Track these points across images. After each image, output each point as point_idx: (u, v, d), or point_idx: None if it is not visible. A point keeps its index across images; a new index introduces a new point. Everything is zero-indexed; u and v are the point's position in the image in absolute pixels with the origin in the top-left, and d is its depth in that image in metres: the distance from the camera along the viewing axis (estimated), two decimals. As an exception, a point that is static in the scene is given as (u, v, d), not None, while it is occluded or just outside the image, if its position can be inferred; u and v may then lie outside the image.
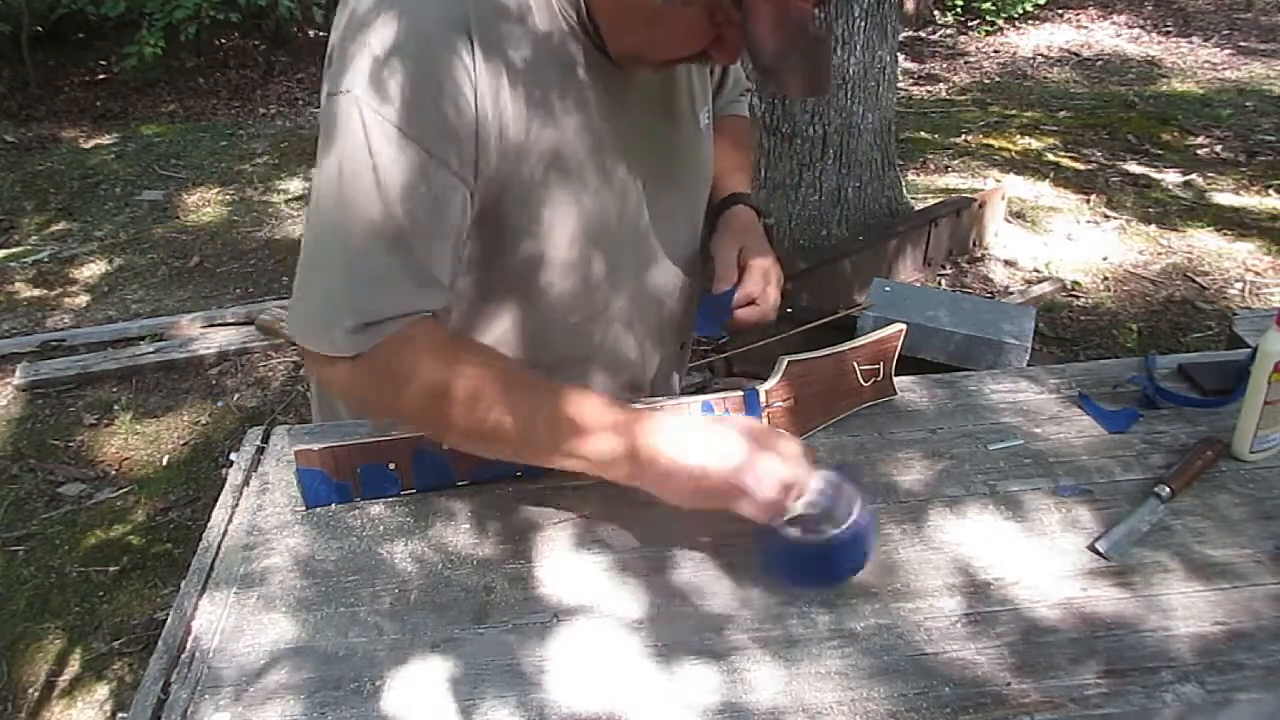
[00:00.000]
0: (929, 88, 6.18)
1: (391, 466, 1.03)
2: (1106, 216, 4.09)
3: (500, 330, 1.07)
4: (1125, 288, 3.55)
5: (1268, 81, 5.94)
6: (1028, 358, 2.56)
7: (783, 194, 3.45)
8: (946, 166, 4.67)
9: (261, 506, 1.05)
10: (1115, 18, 7.60)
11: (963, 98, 5.89)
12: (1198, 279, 3.57)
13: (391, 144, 0.88)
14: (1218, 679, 0.81)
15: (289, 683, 0.83)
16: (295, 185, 4.68)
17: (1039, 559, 0.95)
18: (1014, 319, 2.67)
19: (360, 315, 0.89)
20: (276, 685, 0.83)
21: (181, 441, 2.84)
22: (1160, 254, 3.77)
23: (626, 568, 0.96)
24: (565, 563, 0.96)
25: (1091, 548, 0.96)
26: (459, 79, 0.90)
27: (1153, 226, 3.99)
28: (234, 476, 1.10)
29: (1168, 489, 1.01)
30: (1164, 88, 5.92)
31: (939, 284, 3.57)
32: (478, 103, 0.91)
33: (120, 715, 1.95)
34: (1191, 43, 6.93)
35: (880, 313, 2.57)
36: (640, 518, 1.02)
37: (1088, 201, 4.23)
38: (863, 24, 3.27)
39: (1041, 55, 6.80)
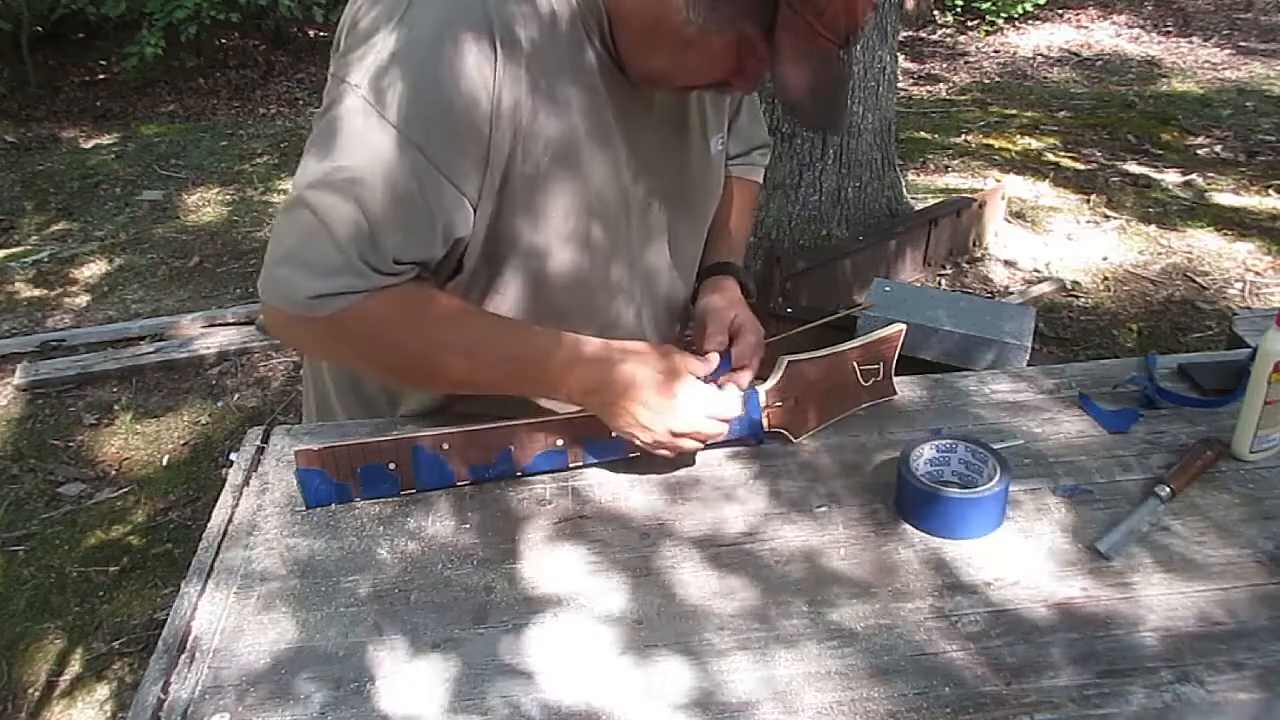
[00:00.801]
0: (929, 88, 6.18)
1: (391, 466, 1.03)
2: (1106, 216, 4.09)
3: (504, 311, 1.07)
4: (1125, 288, 3.55)
5: (1268, 81, 5.94)
6: (1027, 358, 2.56)
7: (783, 194, 3.45)
8: (946, 166, 4.67)
9: (261, 506, 1.05)
10: (1115, 18, 7.60)
11: (963, 98, 5.89)
12: (1198, 279, 3.57)
13: (391, 145, 0.89)
14: (1217, 679, 0.81)
15: (289, 683, 0.83)
16: (295, 185, 4.67)
17: (1039, 559, 0.95)
18: (1014, 319, 2.67)
19: (319, 289, 0.91)
20: (276, 685, 0.83)
21: (181, 441, 2.84)
22: (1160, 254, 3.77)
23: (625, 567, 0.96)
24: (564, 562, 0.96)
25: (1091, 548, 0.96)
26: (477, 90, 0.90)
27: (1153, 226, 3.98)
28: (234, 476, 1.10)
29: (1168, 489, 1.01)
30: (1164, 88, 5.92)
31: (939, 284, 3.56)
32: (494, 107, 0.91)
33: (120, 715, 1.95)
34: (1191, 43, 6.93)
35: (880, 313, 2.57)
36: (639, 517, 1.03)
37: (1088, 201, 4.23)
38: (863, 24, 3.27)
39: (1041, 55, 6.80)
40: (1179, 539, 0.97)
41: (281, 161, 4.97)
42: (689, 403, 0.98)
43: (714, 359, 1.06)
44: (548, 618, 0.90)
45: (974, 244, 3.76)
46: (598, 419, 1.05)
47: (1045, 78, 6.31)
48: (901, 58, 6.30)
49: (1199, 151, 4.78)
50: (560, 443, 1.06)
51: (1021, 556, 0.96)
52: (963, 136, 5.09)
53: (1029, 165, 4.66)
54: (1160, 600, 0.90)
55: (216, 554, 0.98)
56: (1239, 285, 3.52)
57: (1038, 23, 7.49)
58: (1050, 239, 3.90)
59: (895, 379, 1.19)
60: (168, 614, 0.91)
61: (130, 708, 0.82)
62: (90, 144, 5.29)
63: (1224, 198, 4.23)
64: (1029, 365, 2.32)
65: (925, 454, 1.04)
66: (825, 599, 0.91)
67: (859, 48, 3.30)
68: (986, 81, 6.26)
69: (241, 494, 1.07)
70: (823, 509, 1.03)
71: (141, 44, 5.61)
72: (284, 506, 1.05)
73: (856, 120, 3.41)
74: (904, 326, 1.16)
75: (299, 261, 0.92)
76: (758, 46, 0.91)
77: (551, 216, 1.00)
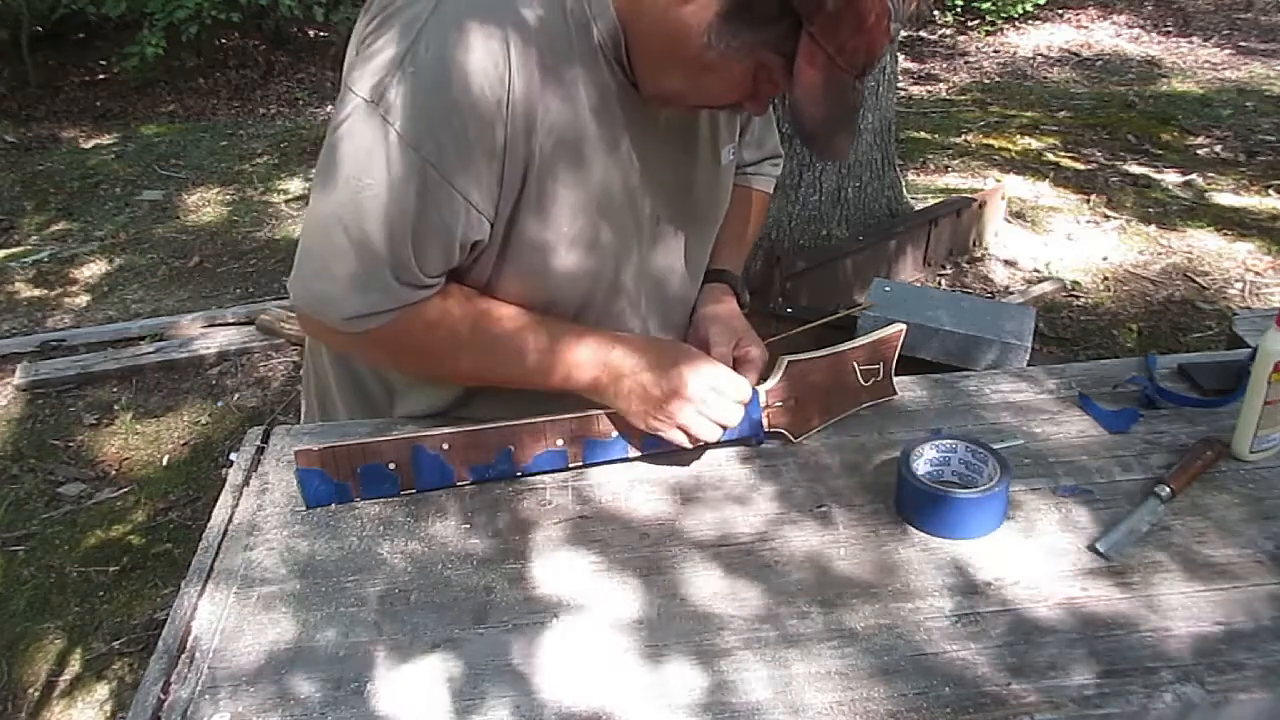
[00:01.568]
0: (929, 88, 6.18)
1: (391, 466, 1.03)
2: (1106, 216, 4.09)
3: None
4: (1125, 288, 3.55)
5: (1268, 81, 5.94)
6: (1028, 358, 2.56)
7: (783, 194, 3.44)
8: (946, 166, 4.67)
9: (261, 506, 1.05)
10: (1115, 18, 7.59)
11: (963, 98, 5.89)
12: (1198, 279, 3.57)
13: (403, 161, 0.90)
14: (1218, 679, 0.81)
15: (289, 683, 0.83)
16: (295, 185, 4.67)
17: (1039, 559, 0.95)
18: (1014, 319, 2.67)
19: (354, 309, 0.97)
20: (276, 685, 0.83)
21: (181, 441, 2.84)
22: (1160, 254, 3.77)
23: (626, 568, 0.96)
24: (564, 563, 0.96)
25: (1091, 548, 0.96)
26: (492, 108, 0.90)
27: (1153, 226, 3.98)
28: (234, 476, 1.10)
29: (1168, 489, 1.01)
30: (1164, 88, 5.92)
31: (939, 284, 3.56)
32: (509, 116, 0.91)
33: (120, 715, 1.95)
34: (1191, 43, 6.93)
35: (880, 313, 2.57)
36: (640, 518, 1.03)
37: (1088, 201, 4.23)
38: (863, 24, 3.27)
39: (1041, 55, 6.80)
40: (1179, 539, 0.97)
41: (281, 161, 4.97)
42: (696, 372, 0.99)
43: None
44: (548, 618, 0.90)
45: (974, 244, 3.76)
46: (598, 419, 1.05)
47: (1045, 78, 6.30)
48: (901, 58, 6.29)
49: (1199, 151, 4.78)
50: (560, 443, 1.06)
51: (1021, 556, 0.96)
52: (963, 136, 5.09)
53: (1029, 165, 4.66)
54: (1160, 600, 0.90)
55: (216, 554, 0.98)
56: (1239, 285, 3.52)
57: (1038, 23, 7.49)
58: (1050, 239, 3.90)
59: (895, 379, 1.19)
60: (168, 614, 0.91)
61: (130, 708, 0.82)
62: (90, 144, 5.29)
63: (1224, 198, 4.23)
64: (1029, 365, 2.32)
65: (925, 454, 1.04)
66: (825, 599, 0.91)
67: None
68: (986, 81, 6.26)
69: (241, 494, 1.07)
70: (823, 509, 1.03)
71: (142, 44, 5.61)
72: (284, 506, 1.05)
73: (858, 117, 3.41)
74: (904, 326, 1.16)
75: (332, 279, 0.96)
76: (776, 74, 0.91)
77: (559, 217, 1.00)
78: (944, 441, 1.05)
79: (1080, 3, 7.85)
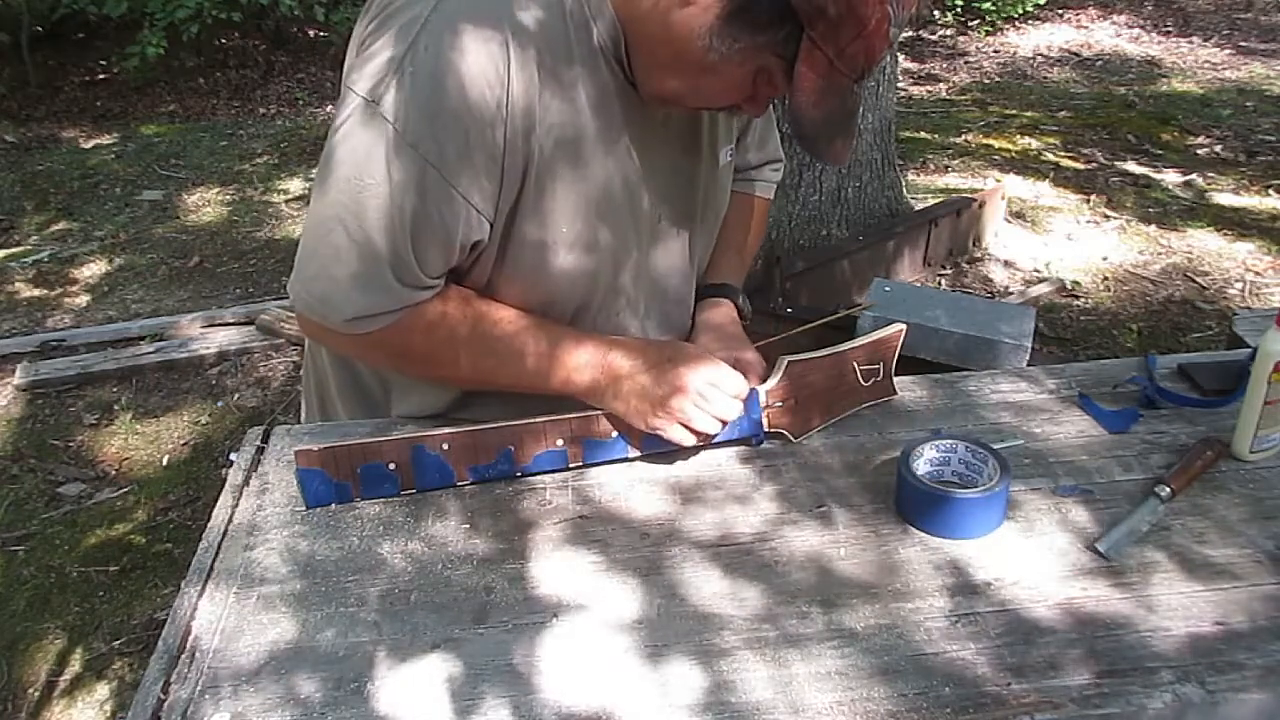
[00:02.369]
0: (929, 88, 6.17)
1: (391, 466, 1.03)
2: (1106, 216, 4.09)
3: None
4: (1125, 288, 3.55)
5: (1268, 81, 5.94)
6: (1027, 358, 2.56)
7: (783, 194, 3.44)
8: (946, 166, 4.67)
9: (261, 506, 1.05)
10: (1115, 18, 7.59)
11: (963, 98, 5.89)
12: (1198, 279, 3.57)
13: (403, 161, 0.90)
14: (1218, 679, 0.81)
15: (289, 683, 0.83)
16: (295, 185, 4.67)
17: (1039, 559, 0.95)
18: (1014, 319, 2.67)
19: (356, 310, 0.97)
20: (276, 685, 0.83)
21: (181, 441, 2.84)
22: (1160, 254, 3.77)
23: (626, 567, 0.96)
24: (564, 563, 0.97)
25: (1091, 548, 0.96)
26: (486, 100, 0.90)
27: (1153, 226, 3.98)
28: (234, 476, 1.10)
29: (1168, 489, 1.01)
30: (1164, 88, 5.92)
31: (939, 284, 3.56)
32: (507, 115, 0.91)
33: (120, 715, 1.95)
34: (1191, 43, 6.93)
35: (880, 313, 2.57)
36: (640, 518, 1.03)
37: (1088, 201, 4.23)
38: (863, 24, 3.27)
39: (1041, 55, 6.80)
40: (1179, 539, 0.97)
41: (281, 161, 4.97)
42: (694, 366, 1.00)
43: None
44: (548, 618, 0.90)
45: (974, 244, 3.76)
46: (598, 419, 1.05)
47: (1045, 78, 6.30)
48: (901, 58, 6.29)
49: (1199, 151, 4.78)
50: (560, 443, 1.06)
51: (1021, 556, 0.96)
52: (963, 136, 5.09)
53: (1029, 165, 4.66)
54: (1160, 600, 0.90)
55: (216, 554, 0.98)
56: (1239, 285, 3.52)
57: (1038, 23, 7.48)
58: (1050, 239, 3.90)
59: (895, 379, 1.19)
60: (168, 614, 0.91)
61: (130, 708, 0.82)
62: (90, 144, 5.29)
63: (1224, 198, 4.23)
64: (1029, 365, 2.32)
65: (925, 454, 1.04)
66: (826, 599, 0.91)
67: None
68: (986, 81, 6.26)
69: (241, 494, 1.07)
70: (823, 509, 1.03)
71: (143, 44, 5.61)
72: (284, 506, 1.05)
73: (857, 120, 3.41)
74: (904, 326, 1.16)
75: (333, 280, 0.96)
76: (776, 77, 0.92)
77: (558, 217, 1.00)
78: (944, 441, 1.05)
79: (1080, 3, 7.85)
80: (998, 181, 4.35)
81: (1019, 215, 4.06)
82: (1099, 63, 6.57)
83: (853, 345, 1.13)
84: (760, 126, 1.31)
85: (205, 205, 4.51)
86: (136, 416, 2.95)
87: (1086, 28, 7.42)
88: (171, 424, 2.92)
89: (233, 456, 1.41)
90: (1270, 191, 4.26)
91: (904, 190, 3.87)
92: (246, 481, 1.09)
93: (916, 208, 3.78)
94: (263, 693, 0.83)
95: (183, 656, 0.86)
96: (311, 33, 6.69)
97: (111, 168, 4.93)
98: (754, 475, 1.08)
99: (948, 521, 0.98)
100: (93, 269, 3.90)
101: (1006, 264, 3.71)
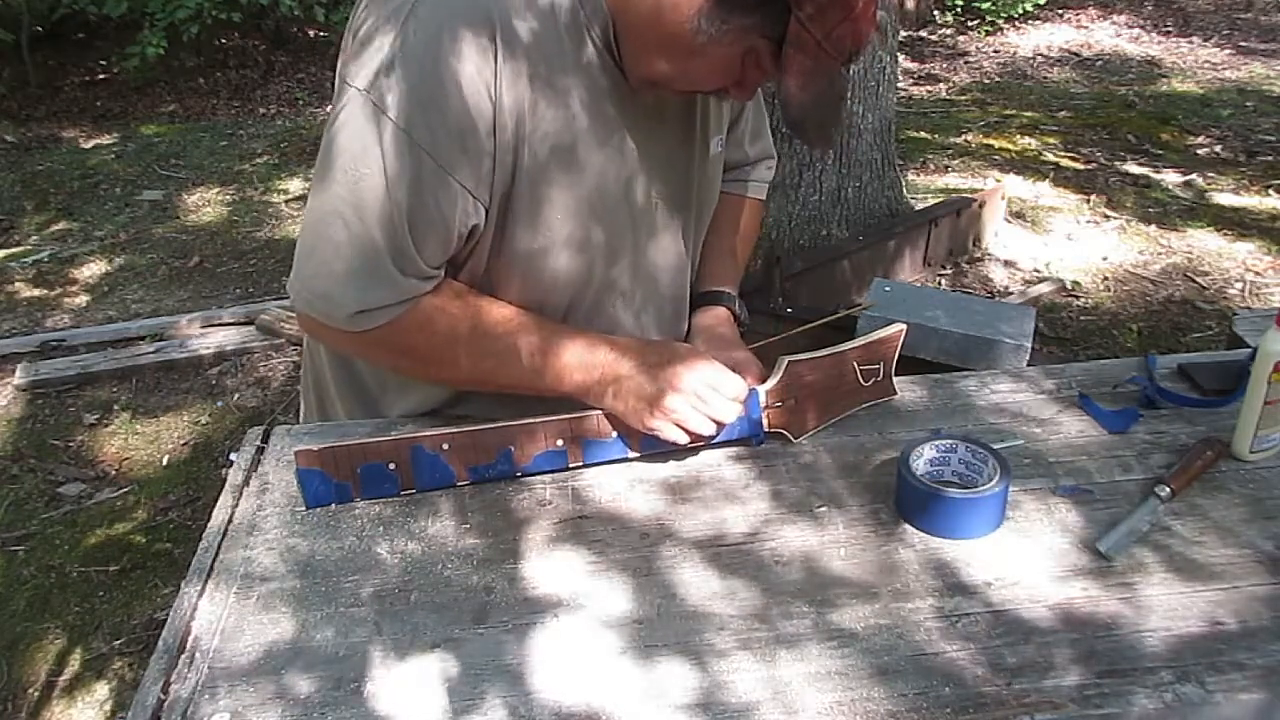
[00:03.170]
0: (929, 88, 6.17)
1: (391, 466, 1.03)
2: (1106, 216, 4.09)
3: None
4: (1125, 288, 3.55)
5: (1268, 81, 5.94)
6: (1027, 358, 2.56)
7: (782, 194, 3.44)
8: (946, 166, 4.67)
9: (261, 506, 1.05)
10: (1115, 18, 7.59)
11: (963, 98, 5.89)
12: (1198, 279, 3.57)
13: (398, 148, 0.91)
14: (1218, 679, 0.81)
15: (289, 682, 0.83)
16: (295, 185, 4.67)
17: (1039, 559, 0.95)
18: (1014, 319, 2.67)
19: (358, 303, 0.97)
20: (276, 685, 0.83)
21: (181, 441, 2.84)
22: (1160, 254, 3.77)
23: (624, 567, 0.96)
24: (563, 562, 0.96)
25: (1091, 548, 0.96)
26: (480, 95, 0.91)
27: (1153, 226, 3.98)
28: (234, 476, 1.10)
29: (1168, 489, 1.01)
30: (1164, 88, 5.92)
31: (939, 284, 3.56)
32: (497, 117, 0.93)
33: (120, 715, 1.95)
34: (1191, 43, 6.93)
35: (880, 313, 2.57)
36: (638, 517, 1.02)
37: (1088, 201, 4.23)
38: (863, 24, 3.27)
39: (1041, 55, 6.80)
40: (1179, 539, 0.97)
41: (281, 161, 4.97)
42: (691, 367, 1.00)
43: None
44: (548, 618, 0.90)
45: (974, 244, 3.76)
46: (598, 419, 1.05)
47: (1045, 78, 6.30)
48: (901, 58, 6.29)
49: (1199, 151, 4.78)
50: (559, 443, 1.06)
51: (1021, 556, 0.96)
52: (963, 136, 5.09)
53: (1029, 165, 4.66)
54: (1161, 600, 0.90)
55: (216, 554, 0.98)
56: (1239, 285, 3.52)
57: (1038, 23, 7.49)
58: (1050, 239, 3.90)
59: (895, 379, 1.19)
60: (168, 614, 0.91)
61: (130, 708, 0.82)
62: (90, 144, 5.29)
63: (1224, 198, 4.23)
64: (1029, 365, 2.32)
65: (925, 454, 1.04)
66: (825, 599, 0.91)
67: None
68: (986, 81, 6.26)
69: (241, 494, 1.07)
70: (823, 509, 1.03)
71: (143, 44, 5.61)
72: (284, 506, 1.05)
73: (856, 120, 3.41)
74: (904, 326, 1.16)
75: (333, 276, 0.96)
76: (764, 60, 0.92)
77: (552, 217, 1.00)
78: (944, 441, 1.05)
79: (1080, 3, 7.85)
80: (998, 181, 4.35)
81: (1019, 215, 4.06)
82: (1099, 63, 6.57)
83: (853, 345, 1.13)
84: (752, 120, 1.31)
85: (205, 205, 4.51)
86: (136, 416, 2.95)
87: (1086, 28, 7.42)
88: (171, 424, 2.92)
89: (233, 456, 1.41)
90: (1270, 191, 4.26)
91: (904, 190, 3.87)
92: (246, 481, 1.09)
93: (916, 208, 3.78)
94: (262, 692, 0.83)
95: (182, 656, 0.86)
96: (311, 33, 6.69)
97: (111, 168, 4.93)
98: (753, 475, 1.08)
99: (947, 521, 0.98)
100: (93, 269, 3.90)
101: (1006, 264, 3.71)
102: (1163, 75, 6.21)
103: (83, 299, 3.66)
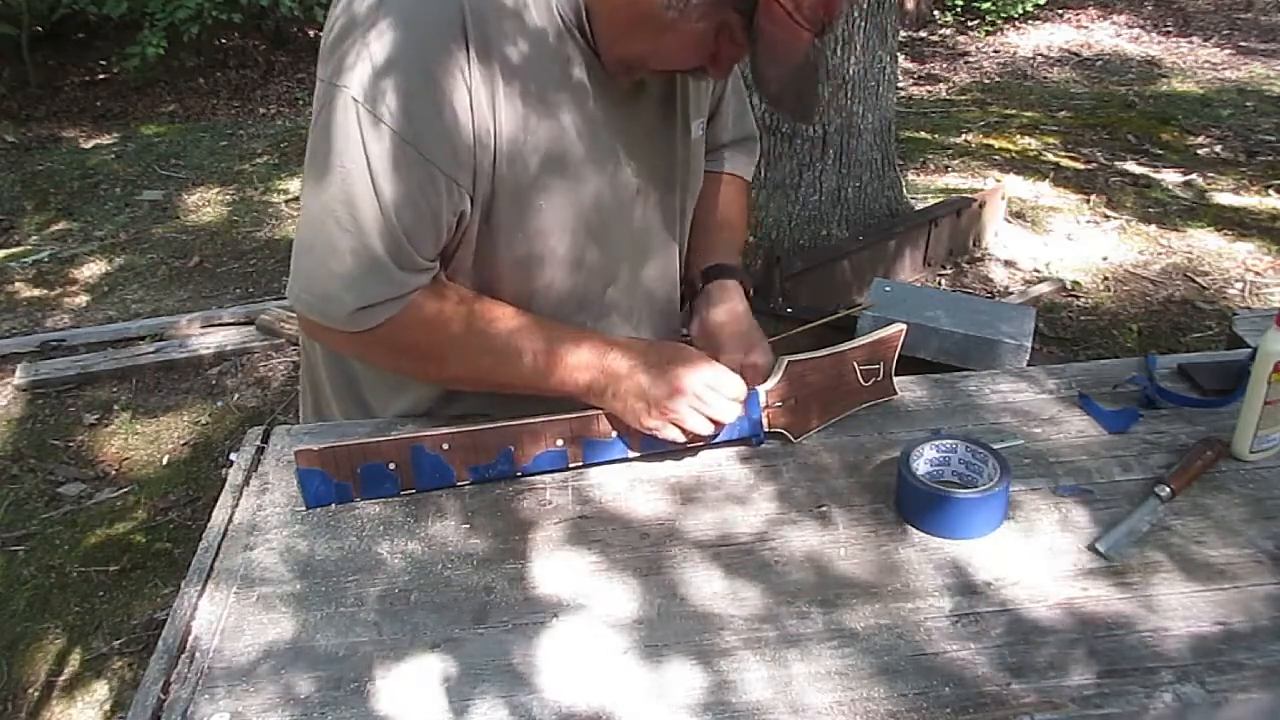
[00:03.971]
0: (929, 88, 6.17)
1: (391, 466, 1.03)
2: (1106, 216, 4.09)
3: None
4: (1125, 288, 3.54)
5: (1268, 81, 5.94)
6: (1027, 358, 2.56)
7: (783, 194, 3.44)
8: (946, 166, 4.67)
9: (261, 506, 1.05)
10: (1115, 18, 7.59)
11: (963, 98, 5.89)
12: (1198, 279, 3.57)
13: (384, 144, 0.92)
14: (1218, 679, 0.81)
15: (289, 682, 0.83)
16: (295, 185, 4.67)
17: (1039, 559, 0.95)
18: (1014, 319, 2.67)
19: (358, 300, 0.97)
20: (276, 685, 0.83)
21: (181, 441, 2.84)
22: (1160, 254, 3.77)
23: (625, 567, 0.96)
24: (564, 563, 0.96)
25: (1091, 548, 0.96)
26: (455, 86, 0.92)
27: (1153, 226, 3.98)
28: (234, 476, 1.10)
29: (1168, 489, 1.01)
30: (1164, 88, 5.92)
31: (939, 284, 3.56)
32: (474, 109, 0.94)
33: (120, 715, 1.95)
34: (1191, 43, 6.93)
35: (880, 313, 2.57)
36: (640, 518, 1.02)
37: (1088, 201, 4.23)
38: (863, 24, 3.27)
39: (1041, 55, 6.80)
40: (1179, 539, 0.97)
41: (281, 161, 4.96)
42: (691, 368, 0.99)
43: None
44: (548, 618, 0.90)
45: (974, 244, 3.76)
46: (598, 419, 1.05)
47: (1045, 78, 6.30)
48: (901, 58, 6.29)
49: (1199, 151, 4.78)
50: (560, 443, 1.06)
51: (1021, 556, 0.96)
52: (963, 136, 5.09)
53: (1029, 165, 4.66)
54: (1160, 600, 0.90)
55: (216, 554, 0.98)
56: (1239, 285, 3.52)
57: (1038, 23, 7.48)
58: (1050, 239, 3.90)
59: (895, 379, 1.19)
60: (168, 614, 0.91)
61: (130, 707, 0.82)
62: (90, 144, 5.29)
63: (1224, 198, 4.23)
64: (1029, 365, 2.32)
65: (925, 454, 1.04)
66: (826, 599, 0.91)
67: (859, 48, 3.30)
68: (986, 81, 6.26)
69: (241, 494, 1.07)
70: (823, 509, 1.03)
71: (143, 44, 5.61)
72: (284, 506, 1.05)
73: (856, 120, 3.41)
74: (904, 326, 1.16)
75: (331, 275, 0.97)
76: (736, 34, 0.92)
77: (532, 198, 1.02)
78: (944, 441, 1.05)
79: (1080, 3, 7.85)
80: (998, 181, 4.35)
81: (1019, 215, 4.06)
82: (1099, 63, 6.57)
83: (853, 345, 1.13)
84: (733, 102, 1.31)
85: (205, 205, 4.50)
86: (136, 416, 2.95)
87: (1086, 28, 7.42)
88: (171, 424, 2.92)
89: (233, 456, 1.41)
90: (1270, 191, 4.26)
91: (904, 190, 3.87)
92: (246, 481, 1.09)
93: (916, 208, 3.78)
94: (262, 692, 0.83)
95: (183, 656, 0.86)
96: (311, 33, 6.68)
97: (111, 168, 4.93)
98: (754, 475, 1.08)
99: (948, 521, 0.98)
100: (93, 269, 3.90)
101: (1006, 264, 3.71)
102: (1163, 75, 6.21)
103: (83, 299, 3.66)
